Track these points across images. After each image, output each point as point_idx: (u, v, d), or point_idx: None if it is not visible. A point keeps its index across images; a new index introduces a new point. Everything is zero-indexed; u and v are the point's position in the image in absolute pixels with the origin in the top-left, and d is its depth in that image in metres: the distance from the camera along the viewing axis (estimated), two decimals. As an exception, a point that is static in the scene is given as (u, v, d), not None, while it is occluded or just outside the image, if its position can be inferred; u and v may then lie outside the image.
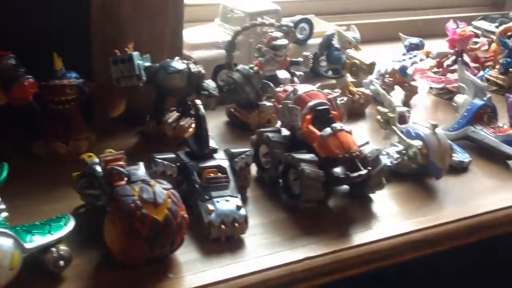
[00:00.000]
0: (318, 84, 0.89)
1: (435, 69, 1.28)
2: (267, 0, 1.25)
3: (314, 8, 1.48)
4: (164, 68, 0.92)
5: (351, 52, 1.06)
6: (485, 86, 1.05)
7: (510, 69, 1.32)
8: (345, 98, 0.86)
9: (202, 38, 1.17)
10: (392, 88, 1.19)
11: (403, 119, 0.95)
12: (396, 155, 0.92)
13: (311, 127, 0.81)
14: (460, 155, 0.97)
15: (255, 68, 1.02)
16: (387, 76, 1.21)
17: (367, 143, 0.84)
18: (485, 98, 1.02)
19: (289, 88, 0.87)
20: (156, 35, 1.00)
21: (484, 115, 1.03)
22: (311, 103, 0.82)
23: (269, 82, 0.92)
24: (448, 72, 1.28)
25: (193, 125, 0.99)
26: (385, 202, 0.85)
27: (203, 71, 0.95)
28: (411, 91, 1.22)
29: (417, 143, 0.89)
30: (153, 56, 0.97)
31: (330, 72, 1.12)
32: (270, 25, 1.03)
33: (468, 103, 1.04)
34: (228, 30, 1.19)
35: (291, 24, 1.04)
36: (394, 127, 0.95)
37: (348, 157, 0.77)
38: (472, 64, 1.30)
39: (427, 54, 1.16)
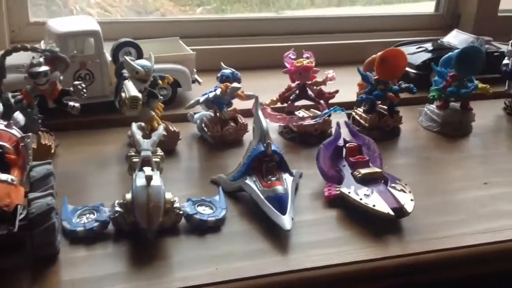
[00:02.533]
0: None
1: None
2: (89, 20, 1.16)
3: (181, 30, 1.37)
4: None
5: (126, 83, 0.94)
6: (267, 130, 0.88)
7: (378, 109, 1.14)
8: (29, 139, 0.74)
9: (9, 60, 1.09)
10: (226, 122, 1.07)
11: (147, 164, 0.82)
12: (118, 209, 0.78)
13: (-27, 173, 0.70)
14: (210, 213, 0.81)
15: (19, 97, 0.93)
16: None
17: (48, 194, 0.71)
18: (264, 145, 0.86)
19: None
20: None
21: (263, 164, 0.87)
22: (-19, 145, 0.72)
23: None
24: (295, 108, 1.12)
25: None
26: (80, 265, 0.72)
27: None
28: (240, 128, 1.07)
29: (128, 196, 0.75)
30: None
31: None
32: (32, 49, 0.93)
33: (251, 149, 0.89)
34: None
35: (56, 49, 0.93)
36: (133, 174, 0.82)
37: (-12, 211, 0.66)
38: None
39: (226, 88, 1.00)
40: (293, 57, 1.09)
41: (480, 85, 1.15)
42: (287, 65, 1.09)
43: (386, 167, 1.00)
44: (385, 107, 1.14)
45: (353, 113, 1.16)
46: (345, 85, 1.19)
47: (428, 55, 1.38)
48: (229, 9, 1.71)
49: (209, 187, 0.92)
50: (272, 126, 1.12)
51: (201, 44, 1.37)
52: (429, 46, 1.45)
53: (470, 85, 1.13)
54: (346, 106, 1.15)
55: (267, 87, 1.17)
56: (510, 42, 1.23)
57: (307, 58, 1.09)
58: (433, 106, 1.18)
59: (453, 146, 1.12)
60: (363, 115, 1.13)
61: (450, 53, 1.16)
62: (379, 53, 1.08)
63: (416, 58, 1.38)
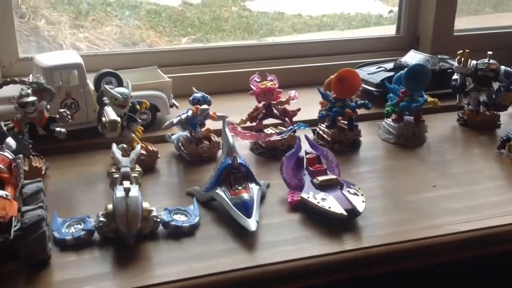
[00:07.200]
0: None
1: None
2: (73, 53, 1.27)
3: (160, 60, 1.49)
4: None
5: (106, 108, 1.05)
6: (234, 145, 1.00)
7: (340, 124, 1.25)
8: (20, 160, 0.84)
9: (1, 93, 1.19)
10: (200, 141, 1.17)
11: (127, 179, 0.92)
12: (101, 219, 0.88)
13: (-29, 192, 0.80)
14: (185, 219, 0.91)
15: (11, 125, 1.03)
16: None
17: (39, 207, 0.81)
18: (231, 158, 0.97)
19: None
20: None
21: (231, 175, 0.97)
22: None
23: None
24: (263, 126, 1.24)
25: None
26: (69, 268, 0.82)
27: None
28: (213, 146, 1.18)
29: (110, 206, 0.86)
30: None
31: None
32: (21, 82, 1.04)
33: (220, 162, 0.99)
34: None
35: (42, 81, 1.04)
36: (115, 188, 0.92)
37: (-14, 222, 0.76)
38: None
39: (196, 110, 1.12)
40: (258, 80, 1.20)
41: (430, 99, 1.27)
42: (252, 87, 1.20)
43: (346, 175, 1.11)
44: (345, 122, 1.26)
45: (318, 129, 1.27)
46: (310, 104, 1.31)
47: (387, 74, 1.49)
48: (213, 37, 1.82)
49: (185, 198, 1.02)
50: (244, 143, 1.24)
51: (178, 71, 1.49)
52: (388, 66, 1.57)
53: (420, 100, 1.25)
54: (310, 123, 1.27)
55: (237, 109, 1.28)
56: (457, 59, 1.35)
57: (271, 80, 1.21)
58: (389, 120, 1.30)
59: (407, 155, 1.23)
60: (326, 130, 1.24)
61: (401, 72, 1.28)
62: (336, 74, 1.20)
63: (375, 77, 1.50)
